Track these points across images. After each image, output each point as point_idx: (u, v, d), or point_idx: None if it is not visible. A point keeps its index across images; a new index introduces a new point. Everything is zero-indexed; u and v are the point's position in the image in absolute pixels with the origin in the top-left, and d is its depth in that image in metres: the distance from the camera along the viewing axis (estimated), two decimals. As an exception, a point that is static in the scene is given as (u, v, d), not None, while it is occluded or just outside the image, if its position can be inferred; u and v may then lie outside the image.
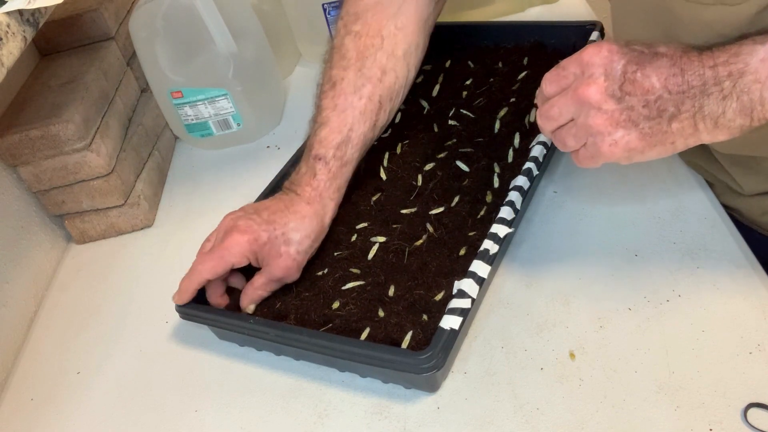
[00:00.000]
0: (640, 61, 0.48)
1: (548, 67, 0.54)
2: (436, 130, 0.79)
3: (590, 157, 0.51)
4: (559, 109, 0.51)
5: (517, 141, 0.73)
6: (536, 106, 0.55)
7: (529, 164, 0.66)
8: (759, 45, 0.46)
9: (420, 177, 0.73)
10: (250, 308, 0.64)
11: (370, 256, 0.66)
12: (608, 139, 0.49)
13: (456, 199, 0.69)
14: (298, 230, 0.64)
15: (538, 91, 0.55)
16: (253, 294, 0.64)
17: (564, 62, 0.52)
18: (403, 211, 0.69)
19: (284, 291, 0.65)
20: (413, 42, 0.69)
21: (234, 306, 0.66)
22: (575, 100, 0.50)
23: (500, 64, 0.84)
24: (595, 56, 0.49)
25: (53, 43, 0.91)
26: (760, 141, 0.59)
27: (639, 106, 0.48)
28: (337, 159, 0.66)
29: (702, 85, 0.47)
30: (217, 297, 0.66)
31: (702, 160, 0.68)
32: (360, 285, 0.63)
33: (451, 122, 0.79)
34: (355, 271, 0.65)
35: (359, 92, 0.67)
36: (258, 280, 0.64)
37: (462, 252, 0.63)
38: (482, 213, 0.67)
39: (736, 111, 0.46)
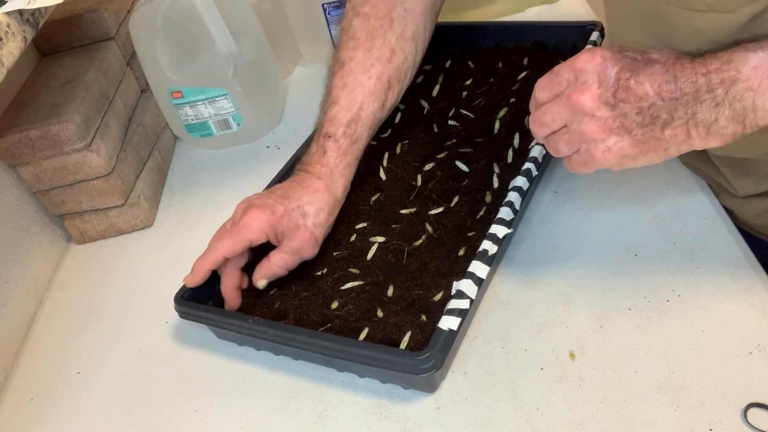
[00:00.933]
0: (634, 68, 0.48)
1: (548, 67, 0.54)
2: (435, 130, 0.79)
3: (583, 164, 0.51)
4: (552, 115, 0.51)
5: (516, 141, 0.73)
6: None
7: (528, 165, 0.66)
8: (751, 52, 0.46)
9: (419, 177, 0.73)
10: (262, 283, 0.64)
11: (369, 256, 0.66)
12: (601, 145, 0.49)
13: (455, 199, 0.69)
14: (312, 203, 0.65)
15: (531, 97, 0.55)
16: (268, 269, 0.64)
17: (557, 68, 0.52)
18: (403, 212, 0.69)
19: (283, 291, 0.65)
20: (421, 24, 0.71)
21: (246, 304, 0.65)
22: (569, 106, 0.50)
23: (500, 64, 0.84)
24: (588, 63, 0.49)
25: (53, 43, 0.91)
26: (751, 144, 0.59)
27: (632, 113, 0.48)
28: (347, 136, 0.67)
29: (695, 93, 0.47)
30: (232, 288, 0.64)
31: (698, 161, 0.68)
32: (359, 285, 0.63)
33: (450, 122, 0.79)
34: (354, 271, 0.65)
35: (368, 72, 0.68)
36: (275, 254, 0.64)
37: (461, 252, 0.63)
38: (482, 213, 0.67)
39: (729, 118, 0.46)
